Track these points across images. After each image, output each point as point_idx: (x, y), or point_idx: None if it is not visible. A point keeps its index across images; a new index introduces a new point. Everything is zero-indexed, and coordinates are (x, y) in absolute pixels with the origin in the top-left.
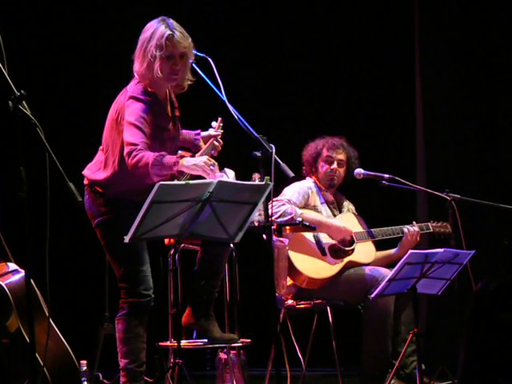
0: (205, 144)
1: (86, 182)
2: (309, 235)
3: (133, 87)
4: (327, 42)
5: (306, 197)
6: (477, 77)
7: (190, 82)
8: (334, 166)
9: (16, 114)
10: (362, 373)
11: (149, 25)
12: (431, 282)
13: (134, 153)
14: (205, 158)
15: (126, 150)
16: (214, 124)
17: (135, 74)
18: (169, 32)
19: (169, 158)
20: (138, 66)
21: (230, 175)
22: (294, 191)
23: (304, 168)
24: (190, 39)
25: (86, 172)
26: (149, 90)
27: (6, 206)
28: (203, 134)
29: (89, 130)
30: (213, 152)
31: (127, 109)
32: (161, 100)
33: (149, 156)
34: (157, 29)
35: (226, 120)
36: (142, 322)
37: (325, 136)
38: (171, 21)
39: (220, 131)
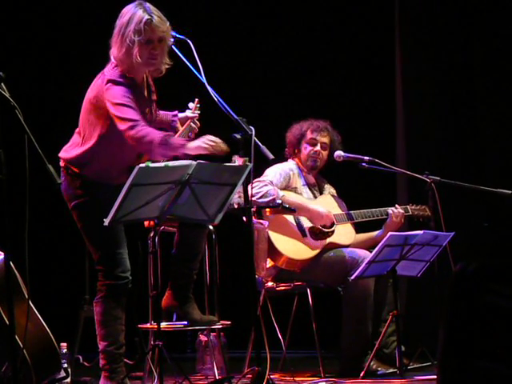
0: (182, 126)
1: (62, 163)
2: (289, 216)
3: (110, 71)
4: (307, 25)
5: (287, 178)
6: (456, 60)
7: (167, 66)
8: (318, 148)
9: None
10: (340, 354)
11: (125, 9)
12: (411, 264)
13: (139, 128)
14: (207, 136)
15: (126, 124)
16: (190, 105)
17: (112, 58)
18: (147, 17)
19: (176, 140)
20: (116, 52)
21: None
22: (276, 173)
23: (287, 149)
24: (167, 23)
25: (61, 154)
26: (127, 74)
27: None
28: (180, 115)
29: (68, 113)
30: (190, 134)
31: (108, 92)
32: (138, 84)
33: (155, 134)
34: (134, 13)
35: (206, 102)
36: (120, 304)
37: (309, 118)
38: (148, 5)
39: (197, 113)
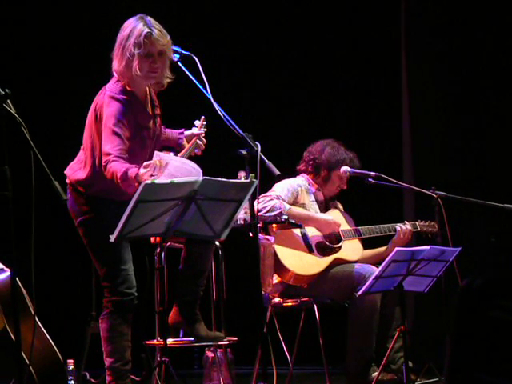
0: (188, 143)
1: (68, 180)
2: (296, 231)
3: (111, 86)
4: (314, 43)
5: (295, 194)
6: (463, 75)
7: (169, 80)
8: (345, 186)
9: (0, 113)
10: (345, 369)
11: (127, 23)
12: (418, 280)
13: (108, 165)
14: (142, 170)
15: (103, 161)
16: (196, 123)
17: (114, 72)
18: (147, 30)
19: (131, 173)
20: (116, 65)
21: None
22: (284, 188)
23: (302, 165)
24: (168, 37)
25: (67, 171)
26: (127, 88)
27: None
28: (186, 132)
29: (73, 129)
30: (196, 151)
31: (106, 109)
32: (140, 98)
33: (117, 170)
34: (135, 27)
35: (212, 118)
36: (126, 321)
37: (338, 143)
38: (149, 18)
39: (203, 130)
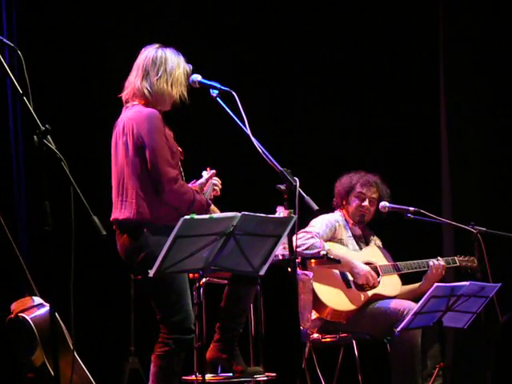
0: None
1: (114, 227)
2: (334, 267)
3: (135, 107)
4: (352, 82)
5: (333, 230)
6: (502, 108)
7: None
8: (366, 203)
9: (41, 149)
10: None
11: (169, 53)
12: (457, 316)
13: (175, 186)
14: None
15: (166, 177)
16: (204, 173)
17: (140, 90)
18: (190, 65)
19: (200, 200)
20: (154, 84)
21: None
22: (322, 224)
23: (334, 200)
24: None
25: (114, 215)
26: (149, 105)
27: (32, 240)
28: (198, 182)
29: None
30: (213, 192)
31: (142, 126)
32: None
33: (194, 198)
34: (181, 59)
35: (251, 153)
36: (181, 360)
37: (360, 171)
38: None
39: (213, 172)
